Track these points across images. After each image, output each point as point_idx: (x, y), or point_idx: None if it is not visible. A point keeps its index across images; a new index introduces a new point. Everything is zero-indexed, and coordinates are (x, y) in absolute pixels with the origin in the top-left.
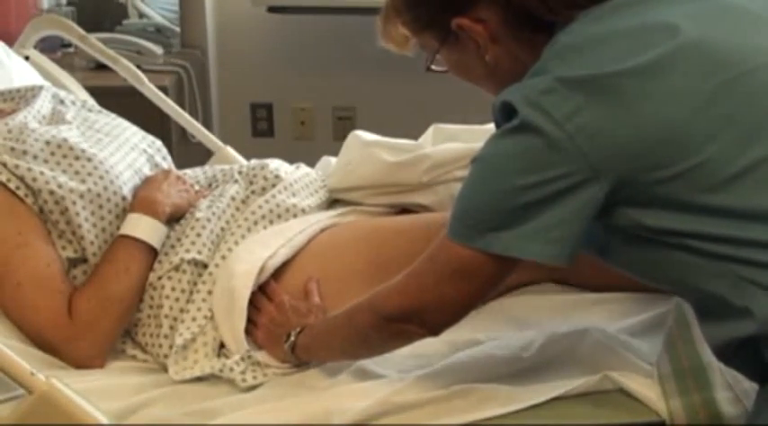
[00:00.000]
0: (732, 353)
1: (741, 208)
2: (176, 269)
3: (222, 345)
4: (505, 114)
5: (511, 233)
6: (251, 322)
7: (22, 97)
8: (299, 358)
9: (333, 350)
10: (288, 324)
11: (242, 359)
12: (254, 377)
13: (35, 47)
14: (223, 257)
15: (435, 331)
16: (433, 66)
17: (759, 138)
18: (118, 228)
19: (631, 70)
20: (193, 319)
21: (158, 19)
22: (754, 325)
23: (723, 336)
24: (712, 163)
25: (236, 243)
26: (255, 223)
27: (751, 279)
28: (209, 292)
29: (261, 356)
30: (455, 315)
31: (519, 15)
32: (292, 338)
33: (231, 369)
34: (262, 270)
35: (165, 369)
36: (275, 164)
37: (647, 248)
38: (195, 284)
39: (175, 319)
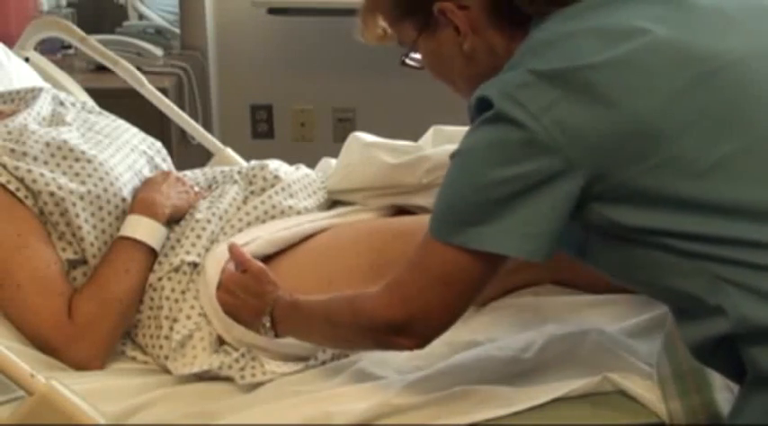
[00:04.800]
0: (709, 353)
1: (715, 204)
2: (176, 270)
3: (221, 343)
4: (481, 109)
5: (488, 228)
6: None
7: (22, 99)
8: (280, 333)
9: (310, 338)
10: (251, 299)
11: (242, 355)
12: (253, 375)
13: (35, 48)
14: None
15: (422, 342)
16: (408, 61)
17: (731, 132)
18: (118, 230)
19: (604, 63)
20: (188, 317)
21: (158, 20)
22: (727, 324)
23: (698, 336)
24: (685, 155)
25: None
26: (249, 224)
27: (725, 278)
28: (198, 290)
29: (261, 340)
30: (441, 325)
31: (500, 4)
32: (267, 317)
33: (230, 367)
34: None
35: (165, 371)
36: (275, 165)
37: (624, 247)
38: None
39: (175, 320)
